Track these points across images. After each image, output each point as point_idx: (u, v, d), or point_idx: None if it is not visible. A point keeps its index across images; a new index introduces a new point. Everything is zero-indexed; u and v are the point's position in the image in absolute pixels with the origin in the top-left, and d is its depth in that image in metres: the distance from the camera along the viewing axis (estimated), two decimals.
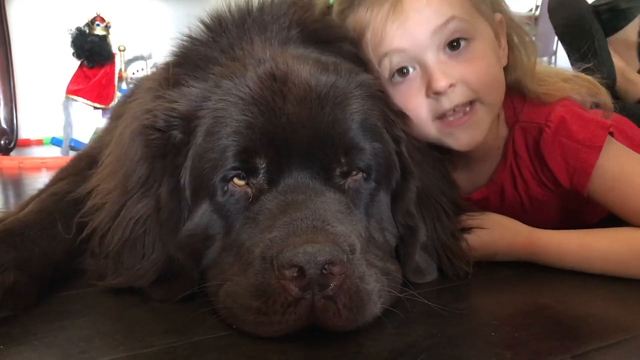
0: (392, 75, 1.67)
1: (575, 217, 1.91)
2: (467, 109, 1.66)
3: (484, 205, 1.85)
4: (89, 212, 1.54)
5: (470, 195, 1.89)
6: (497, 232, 1.68)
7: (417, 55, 1.63)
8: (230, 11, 1.71)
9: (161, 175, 1.45)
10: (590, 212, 1.90)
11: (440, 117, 1.66)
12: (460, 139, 1.68)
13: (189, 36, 1.70)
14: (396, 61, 1.65)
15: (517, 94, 1.83)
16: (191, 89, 1.49)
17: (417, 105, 1.65)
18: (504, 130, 1.86)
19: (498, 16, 1.76)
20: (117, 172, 1.53)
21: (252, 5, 1.71)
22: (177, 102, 1.47)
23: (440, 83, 1.60)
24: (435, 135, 1.68)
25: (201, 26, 1.70)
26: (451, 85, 1.61)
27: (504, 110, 1.84)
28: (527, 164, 1.81)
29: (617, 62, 3.29)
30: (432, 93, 1.63)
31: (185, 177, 1.46)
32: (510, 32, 1.81)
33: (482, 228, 1.66)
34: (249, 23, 1.67)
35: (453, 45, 1.64)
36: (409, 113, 1.67)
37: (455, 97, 1.63)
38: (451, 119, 1.66)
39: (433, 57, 1.63)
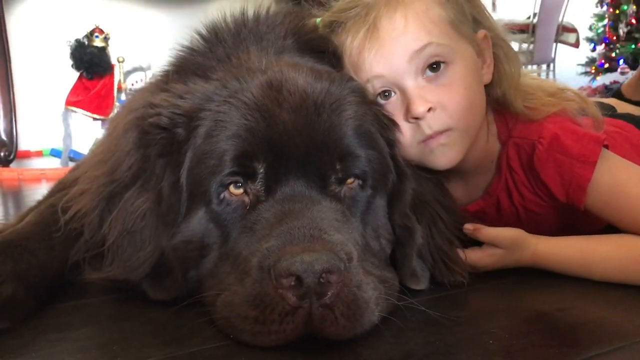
0: (376, 97, 1.67)
1: (573, 228, 1.90)
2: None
3: (480, 217, 1.84)
4: (73, 197, 1.55)
5: (466, 207, 1.89)
6: (507, 248, 1.68)
7: (396, 81, 1.63)
8: (225, 22, 1.73)
9: (163, 170, 1.47)
10: (589, 223, 1.90)
11: (424, 140, 1.64)
12: (439, 158, 1.67)
13: (186, 47, 1.72)
14: (378, 85, 1.65)
15: (508, 108, 1.81)
16: (197, 86, 1.50)
17: (400, 128, 1.64)
18: (496, 145, 1.85)
19: (481, 33, 1.75)
20: (106, 161, 1.55)
21: (247, 16, 1.73)
22: (182, 98, 1.49)
23: (419, 109, 1.60)
24: (417, 157, 1.67)
25: (197, 37, 1.72)
26: (430, 110, 1.61)
27: (496, 126, 1.84)
28: (522, 178, 1.81)
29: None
30: (411, 118, 1.62)
31: (184, 176, 1.47)
32: (496, 46, 1.79)
33: (492, 245, 1.68)
34: (244, 33, 1.69)
35: (433, 67, 1.63)
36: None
37: (434, 123, 1.62)
38: (431, 142, 1.64)
39: (412, 82, 1.62)
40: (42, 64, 6.31)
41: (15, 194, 4.34)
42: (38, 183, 4.64)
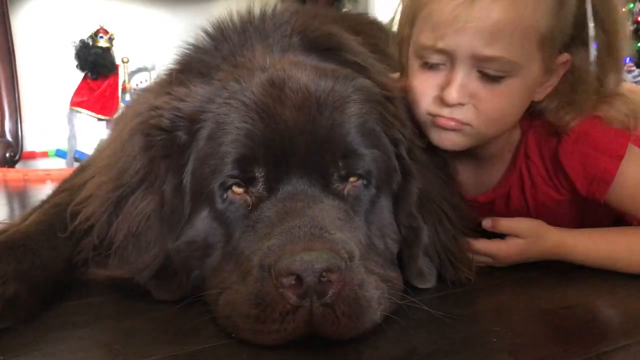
0: (423, 63, 1.63)
1: (580, 224, 1.90)
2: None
3: (490, 210, 1.84)
4: (81, 201, 1.56)
5: (477, 198, 1.87)
6: (529, 240, 1.68)
7: (454, 58, 1.55)
8: (232, 20, 1.73)
9: (165, 173, 1.47)
10: (598, 219, 1.89)
11: (436, 116, 1.63)
12: (442, 139, 1.65)
13: (191, 44, 1.73)
14: (436, 58, 1.59)
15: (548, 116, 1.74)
16: (197, 88, 1.51)
17: (423, 92, 1.63)
18: (516, 134, 1.81)
19: (564, 57, 1.63)
20: (112, 165, 1.56)
21: (254, 14, 1.73)
22: (183, 101, 1.49)
23: (453, 96, 1.56)
24: (423, 123, 1.66)
25: (203, 35, 1.73)
26: (460, 104, 1.58)
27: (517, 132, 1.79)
28: (540, 168, 1.78)
29: None
30: (441, 98, 1.60)
31: (187, 178, 1.48)
32: (584, 75, 1.65)
33: (515, 236, 1.67)
34: (250, 31, 1.70)
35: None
36: (412, 90, 1.66)
37: (458, 113, 1.60)
38: (441, 120, 1.63)
39: (463, 71, 1.56)
40: (47, 65, 6.32)
41: (20, 194, 4.36)
42: (43, 184, 4.66)
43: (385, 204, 1.53)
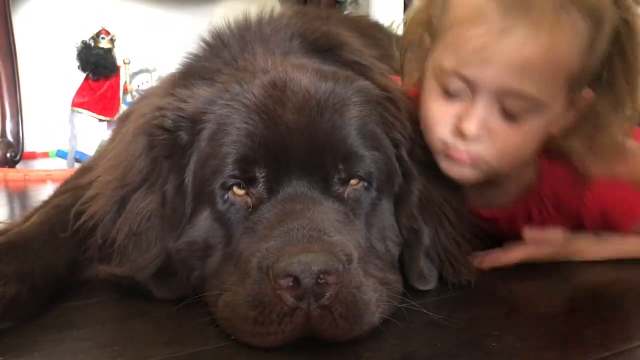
0: (442, 89, 1.54)
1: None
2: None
3: (492, 224, 1.82)
4: (87, 201, 1.57)
5: (479, 210, 1.82)
6: (542, 246, 1.75)
7: (480, 87, 1.47)
8: (229, 27, 1.74)
9: (167, 172, 1.49)
10: None
11: (449, 147, 1.56)
12: (453, 172, 1.59)
13: (192, 53, 1.75)
14: (457, 85, 1.50)
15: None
16: (200, 90, 1.52)
17: (439, 120, 1.55)
18: (532, 178, 1.76)
19: (587, 93, 1.54)
20: (117, 165, 1.57)
21: (250, 20, 1.74)
22: (186, 101, 1.51)
23: (471, 129, 1.49)
24: (434, 149, 1.59)
25: (202, 44, 1.74)
26: (476, 138, 1.51)
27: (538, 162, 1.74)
28: (551, 212, 1.80)
29: None
30: (457, 130, 1.52)
31: (189, 179, 1.49)
32: (606, 121, 1.57)
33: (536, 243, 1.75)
34: (250, 36, 1.71)
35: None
36: (425, 117, 1.59)
37: (472, 147, 1.52)
38: (454, 153, 1.55)
39: (484, 102, 1.48)
40: (49, 66, 6.31)
41: (20, 194, 4.35)
42: (44, 184, 4.65)
43: (386, 206, 1.53)
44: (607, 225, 1.78)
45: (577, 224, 1.80)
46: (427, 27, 1.63)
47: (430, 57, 1.60)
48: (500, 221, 1.85)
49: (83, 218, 1.54)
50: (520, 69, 1.41)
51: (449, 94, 1.54)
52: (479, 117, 1.49)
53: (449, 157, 1.57)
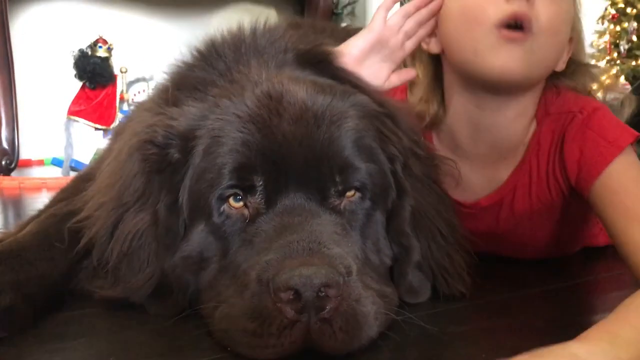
0: None
1: (561, 246, 1.93)
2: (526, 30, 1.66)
3: (495, 217, 1.85)
4: (81, 220, 1.55)
5: (480, 201, 1.89)
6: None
7: None
8: (223, 37, 1.72)
9: (159, 190, 1.47)
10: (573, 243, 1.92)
11: (501, 24, 1.65)
12: (503, 56, 1.66)
13: (184, 62, 1.72)
14: None
15: (551, 88, 1.84)
16: (190, 108, 1.51)
17: (487, 3, 1.65)
18: (532, 126, 1.85)
19: (572, 39, 1.82)
20: (113, 185, 1.55)
21: (245, 31, 1.73)
22: (176, 120, 1.49)
23: None
24: (481, 42, 1.69)
25: (195, 53, 1.72)
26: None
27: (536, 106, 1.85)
28: (546, 156, 1.80)
29: None
30: None
31: (184, 197, 1.47)
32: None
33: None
34: (244, 47, 1.69)
35: None
36: (467, 7, 1.71)
37: (530, 11, 1.62)
38: (510, 33, 1.64)
39: None
40: (45, 74, 6.33)
41: (15, 202, 4.34)
42: (39, 192, 4.64)
43: (379, 219, 1.53)
44: (586, 161, 1.69)
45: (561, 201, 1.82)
46: None
47: None
48: (502, 205, 1.87)
49: (82, 242, 1.52)
50: None
51: None
52: None
53: (504, 38, 1.64)
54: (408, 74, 1.99)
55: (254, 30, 1.73)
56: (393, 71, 1.95)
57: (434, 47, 1.91)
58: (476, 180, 1.87)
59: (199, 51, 1.72)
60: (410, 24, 1.90)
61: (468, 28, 1.71)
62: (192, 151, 1.46)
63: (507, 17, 1.63)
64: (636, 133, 1.69)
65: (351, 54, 1.83)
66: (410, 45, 1.94)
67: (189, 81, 1.64)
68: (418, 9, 1.89)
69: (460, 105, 1.87)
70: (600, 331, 1.19)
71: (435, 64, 1.95)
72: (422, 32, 1.92)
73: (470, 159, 1.87)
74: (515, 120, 1.83)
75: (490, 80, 1.73)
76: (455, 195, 1.78)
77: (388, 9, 1.97)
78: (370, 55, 1.90)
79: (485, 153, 1.87)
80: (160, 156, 1.47)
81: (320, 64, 1.72)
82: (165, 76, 1.75)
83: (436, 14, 1.87)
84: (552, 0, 1.66)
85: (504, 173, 1.88)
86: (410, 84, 2.02)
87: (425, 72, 1.98)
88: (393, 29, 1.92)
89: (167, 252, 1.44)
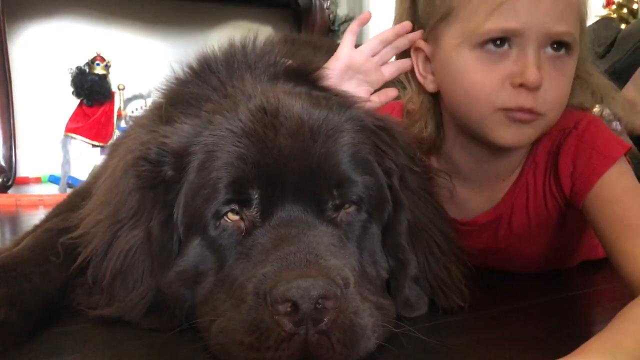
0: (483, 41, 1.62)
1: (560, 260, 1.93)
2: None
3: (493, 235, 1.84)
4: (76, 237, 1.54)
5: (476, 218, 1.88)
6: None
7: (527, 36, 1.57)
8: (214, 54, 1.73)
9: (152, 207, 1.46)
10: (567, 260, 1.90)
11: (506, 109, 1.63)
12: (510, 133, 1.65)
13: (177, 78, 1.72)
14: (498, 45, 1.60)
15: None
16: (183, 125, 1.50)
17: (492, 88, 1.61)
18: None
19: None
20: (108, 202, 1.54)
21: (235, 47, 1.73)
22: (169, 137, 1.48)
23: (534, 74, 1.55)
24: (487, 124, 1.66)
25: (187, 69, 1.72)
26: (536, 89, 1.58)
27: None
28: (542, 172, 1.79)
29: (630, 92, 3.25)
30: (518, 84, 1.58)
31: (179, 213, 1.46)
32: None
33: None
34: (237, 62, 1.70)
35: (554, 46, 1.61)
36: (473, 87, 1.65)
37: (539, 101, 1.59)
38: (518, 114, 1.61)
39: (535, 49, 1.58)
40: (43, 91, 6.34)
41: (12, 219, 4.33)
42: (36, 209, 4.62)
43: (375, 232, 1.52)
44: (579, 173, 1.68)
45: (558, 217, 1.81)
46: (435, 16, 1.74)
47: (447, 37, 1.69)
48: (500, 222, 1.86)
49: (79, 259, 1.50)
50: (561, 10, 1.57)
51: (490, 60, 1.61)
52: (535, 62, 1.56)
53: (513, 119, 1.62)
54: (388, 94, 1.98)
55: (244, 46, 1.74)
56: (373, 92, 1.94)
57: (430, 85, 1.84)
58: (474, 200, 1.86)
59: (191, 68, 1.72)
60: (386, 49, 1.90)
61: (474, 102, 1.67)
62: (186, 168, 1.45)
63: (513, 107, 1.62)
64: (628, 144, 1.69)
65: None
66: (389, 71, 1.93)
67: (183, 97, 1.64)
68: (397, 36, 1.89)
69: (458, 143, 1.85)
70: (601, 342, 1.17)
71: (433, 94, 1.89)
72: (403, 65, 1.91)
73: (469, 181, 1.87)
74: (516, 154, 1.82)
75: (495, 147, 1.72)
76: (452, 213, 1.78)
77: (355, 33, 1.96)
78: (343, 82, 1.89)
79: (484, 177, 1.86)
80: (154, 173, 1.46)
81: (316, 80, 1.72)
82: (159, 93, 1.75)
83: (413, 44, 1.85)
84: (557, 70, 1.62)
85: (501, 191, 1.87)
86: (407, 111, 1.97)
87: (421, 99, 1.90)
88: (366, 54, 1.91)
89: (161, 270, 1.42)
